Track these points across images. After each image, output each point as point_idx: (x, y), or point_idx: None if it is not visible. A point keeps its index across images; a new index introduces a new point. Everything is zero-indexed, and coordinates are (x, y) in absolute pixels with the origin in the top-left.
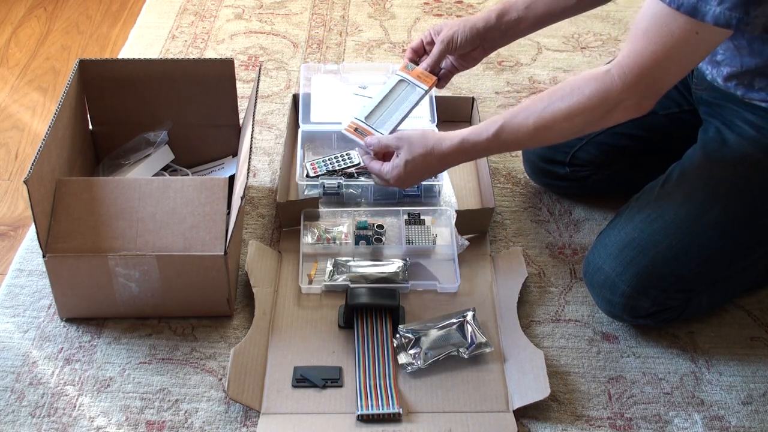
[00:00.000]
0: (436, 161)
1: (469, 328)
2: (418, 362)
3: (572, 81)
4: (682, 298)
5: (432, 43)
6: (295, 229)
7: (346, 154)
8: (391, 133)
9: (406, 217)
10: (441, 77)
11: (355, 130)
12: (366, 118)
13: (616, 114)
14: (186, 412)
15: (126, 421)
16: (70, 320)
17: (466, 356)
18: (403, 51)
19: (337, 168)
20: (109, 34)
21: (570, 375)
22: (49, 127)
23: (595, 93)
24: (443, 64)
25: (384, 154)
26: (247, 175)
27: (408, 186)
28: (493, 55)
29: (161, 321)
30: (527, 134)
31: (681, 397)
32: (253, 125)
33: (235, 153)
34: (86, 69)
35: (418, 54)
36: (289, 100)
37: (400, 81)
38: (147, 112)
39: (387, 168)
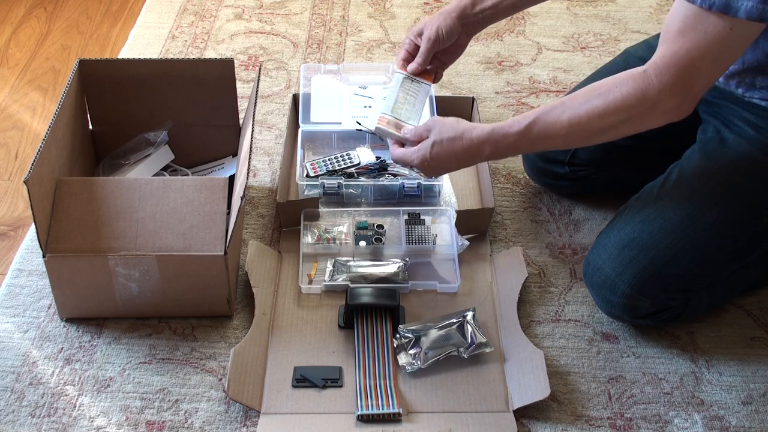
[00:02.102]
0: (464, 149)
1: (469, 328)
2: (418, 362)
3: (610, 80)
4: (682, 297)
5: (417, 46)
6: (295, 229)
7: (346, 154)
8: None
9: (406, 217)
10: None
11: (387, 123)
12: (392, 111)
13: (655, 117)
14: (186, 412)
15: (126, 421)
16: (70, 320)
17: (466, 356)
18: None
19: (337, 168)
20: (109, 34)
21: (570, 375)
22: (49, 127)
23: (633, 92)
24: (428, 67)
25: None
26: (247, 175)
27: (432, 173)
28: (492, 54)
29: (161, 321)
30: (560, 131)
31: (681, 397)
32: (253, 125)
33: (235, 153)
34: (86, 69)
35: (409, 62)
36: (289, 100)
37: (405, 78)
38: (147, 112)
39: (411, 150)
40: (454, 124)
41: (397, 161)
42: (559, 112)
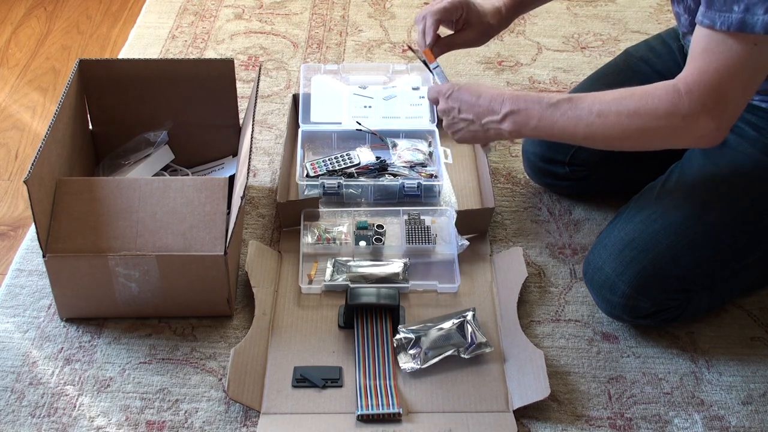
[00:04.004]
0: (488, 91)
1: (469, 328)
2: (418, 362)
3: (644, 87)
4: (683, 298)
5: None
6: (295, 229)
7: (346, 154)
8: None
9: (406, 217)
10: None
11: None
12: None
13: (689, 137)
14: (186, 412)
15: (126, 421)
16: (70, 320)
17: (466, 356)
18: (404, 51)
19: (337, 168)
20: (109, 34)
21: (570, 375)
22: (49, 127)
23: (663, 105)
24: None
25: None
26: (247, 175)
27: (452, 112)
28: (492, 54)
29: (161, 321)
30: (586, 119)
31: (681, 397)
32: (253, 125)
33: (235, 153)
34: (86, 69)
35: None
36: (289, 100)
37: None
38: (147, 112)
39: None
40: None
41: (430, 95)
42: (590, 101)
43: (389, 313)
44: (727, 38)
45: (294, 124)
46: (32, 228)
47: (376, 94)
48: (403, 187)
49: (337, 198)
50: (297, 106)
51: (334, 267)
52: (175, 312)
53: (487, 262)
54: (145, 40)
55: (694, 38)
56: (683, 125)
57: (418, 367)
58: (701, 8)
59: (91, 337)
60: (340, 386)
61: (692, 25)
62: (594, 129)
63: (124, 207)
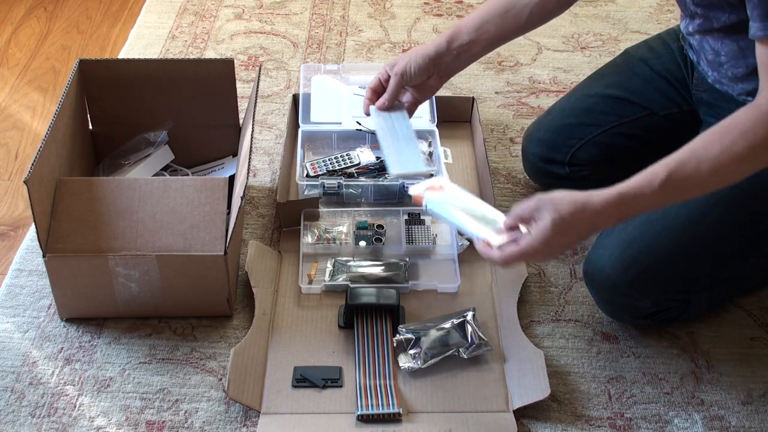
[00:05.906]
0: (587, 221)
1: (469, 328)
2: (418, 362)
3: (737, 121)
4: (683, 298)
5: (389, 78)
6: (295, 229)
7: (346, 154)
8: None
9: (406, 217)
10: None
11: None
12: (400, 166)
13: None
14: (186, 412)
15: (126, 421)
16: (70, 320)
17: (466, 356)
18: (403, 51)
19: (337, 168)
20: (109, 34)
21: (570, 375)
22: (49, 127)
23: (761, 131)
24: (404, 98)
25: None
26: (247, 175)
27: (546, 258)
28: (492, 54)
29: (161, 321)
30: (701, 182)
31: (681, 397)
32: (253, 125)
33: (235, 153)
34: (86, 69)
35: (378, 93)
36: (289, 100)
37: (378, 115)
38: (147, 112)
39: (527, 241)
40: (568, 196)
41: (503, 258)
42: (694, 165)
43: (389, 313)
44: None
45: (294, 124)
46: (32, 228)
47: None
48: (403, 187)
49: (337, 198)
50: (297, 106)
51: (334, 267)
52: (175, 312)
53: (487, 262)
54: (145, 40)
55: (760, 54)
56: None
57: (418, 367)
58: (755, 23)
59: (91, 337)
60: (340, 386)
61: (702, 27)
62: (713, 187)
63: (124, 207)
